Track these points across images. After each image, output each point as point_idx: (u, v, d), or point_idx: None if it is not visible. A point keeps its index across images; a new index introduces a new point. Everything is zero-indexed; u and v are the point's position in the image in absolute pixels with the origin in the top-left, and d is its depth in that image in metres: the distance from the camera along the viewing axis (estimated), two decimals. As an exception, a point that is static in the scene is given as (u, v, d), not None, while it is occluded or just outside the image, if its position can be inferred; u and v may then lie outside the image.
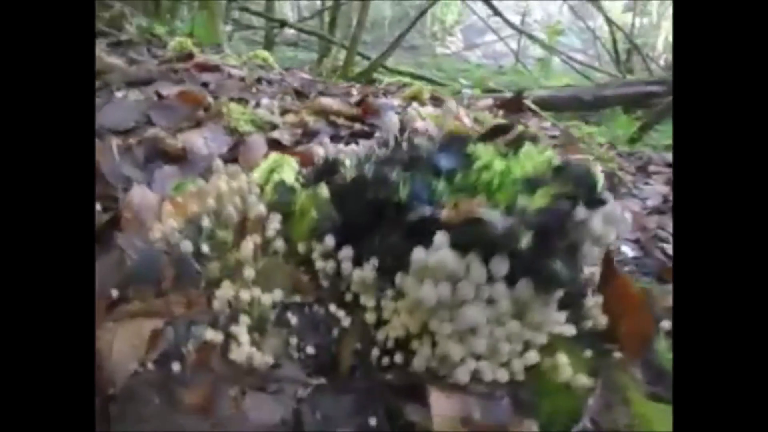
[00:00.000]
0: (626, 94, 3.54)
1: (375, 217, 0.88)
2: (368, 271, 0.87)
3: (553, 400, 0.78)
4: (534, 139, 0.80)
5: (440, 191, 0.81)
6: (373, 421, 0.82)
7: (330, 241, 0.93)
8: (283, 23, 8.85)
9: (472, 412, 0.75)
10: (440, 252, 0.70)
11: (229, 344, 0.90)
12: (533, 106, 2.41)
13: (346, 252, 0.91)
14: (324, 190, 0.96)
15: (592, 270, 0.82)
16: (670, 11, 10.30)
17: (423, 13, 7.50)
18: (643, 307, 0.77)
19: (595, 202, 0.70)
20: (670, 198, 1.81)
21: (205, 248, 1.06)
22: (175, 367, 0.88)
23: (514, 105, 2.41)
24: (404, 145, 0.90)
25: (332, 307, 0.93)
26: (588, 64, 8.83)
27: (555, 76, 7.79)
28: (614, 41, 8.88)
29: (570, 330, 0.78)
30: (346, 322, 0.92)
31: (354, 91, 2.39)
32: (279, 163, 1.16)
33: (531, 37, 8.98)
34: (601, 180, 0.71)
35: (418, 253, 0.74)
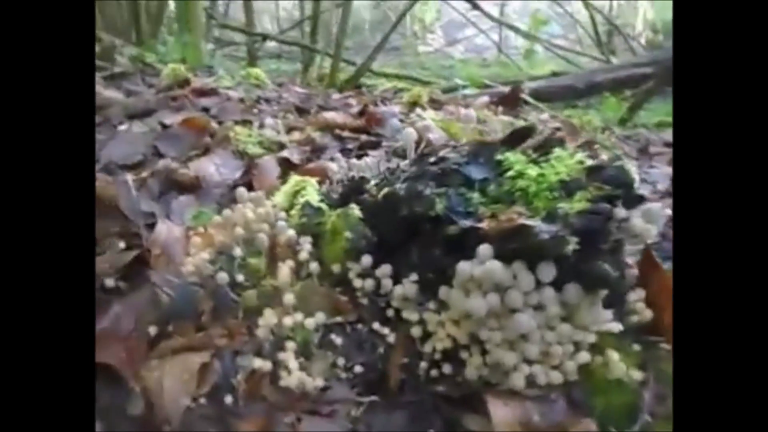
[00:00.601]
0: (618, 78, 3.58)
1: (410, 233, 0.89)
2: (409, 286, 0.89)
3: (607, 396, 0.80)
4: (562, 142, 0.81)
5: (475, 202, 0.82)
6: (431, 434, 0.83)
7: (367, 260, 0.94)
8: (265, 36, 8.85)
9: (531, 416, 0.76)
10: (488, 263, 0.72)
11: (278, 371, 0.91)
12: (530, 99, 2.43)
13: (385, 269, 0.92)
14: (355, 210, 0.97)
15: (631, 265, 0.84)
16: (645, -10, 10.37)
17: (404, 14, 7.50)
18: (686, 297, 0.78)
19: (633, 200, 0.71)
20: (679, 179, 1.84)
21: (240, 277, 1.07)
22: (228, 399, 0.89)
23: (511, 100, 2.43)
24: (430, 158, 0.91)
25: (375, 325, 0.94)
26: (570, 48, 8.89)
27: (539, 63, 7.84)
28: (594, 23, 8.93)
29: (617, 326, 0.79)
30: (391, 338, 0.93)
31: (353, 101, 2.40)
32: (302, 185, 1.17)
33: (512, 27, 9.02)
34: (636, 177, 0.72)
35: (463, 266, 0.75)
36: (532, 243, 0.69)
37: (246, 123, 1.97)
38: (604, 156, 1.97)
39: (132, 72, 2.57)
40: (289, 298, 0.96)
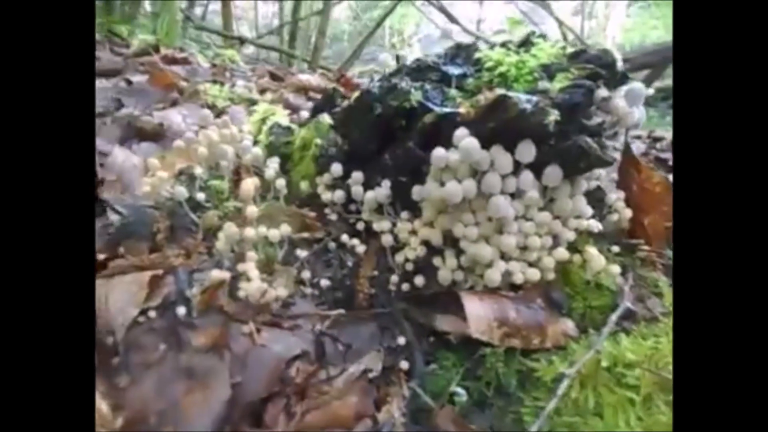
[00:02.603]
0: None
1: (384, 137, 0.84)
2: (383, 190, 0.84)
3: (585, 300, 0.76)
4: (544, 37, 0.79)
5: (453, 96, 0.78)
6: (401, 340, 0.77)
7: (337, 168, 0.88)
8: (243, 40, 8.79)
9: (508, 313, 0.72)
10: (465, 141, 0.67)
11: (237, 284, 0.84)
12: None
13: (356, 176, 0.87)
14: (326, 118, 0.92)
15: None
16: (614, 13, 10.84)
17: (380, 22, 7.60)
18: (669, 193, 0.76)
19: (616, 80, 0.69)
20: (650, 152, 1.86)
21: (200, 196, 1.00)
22: (181, 310, 0.82)
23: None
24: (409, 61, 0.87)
25: (344, 237, 0.88)
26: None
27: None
28: (566, 42, 9.27)
29: (597, 225, 0.76)
30: (360, 249, 0.87)
31: (329, 75, 2.36)
32: (270, 111, 1.11)
33: (488, 42, 9.25)
34: (619, 59, 0.70)
35: (438, 152, 0.71)
36: (512, 116, 0.66)
37: (216, 83, 1.91)
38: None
39: (98, 40, 2.47)
40: (251, 210, 0.89)
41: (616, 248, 0.78)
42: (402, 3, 7.47)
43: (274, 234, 0.87)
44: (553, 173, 0.69)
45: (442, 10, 8.61)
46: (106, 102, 1.76)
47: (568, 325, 0.72)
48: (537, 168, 0.70)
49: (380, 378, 0.75)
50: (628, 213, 0.79)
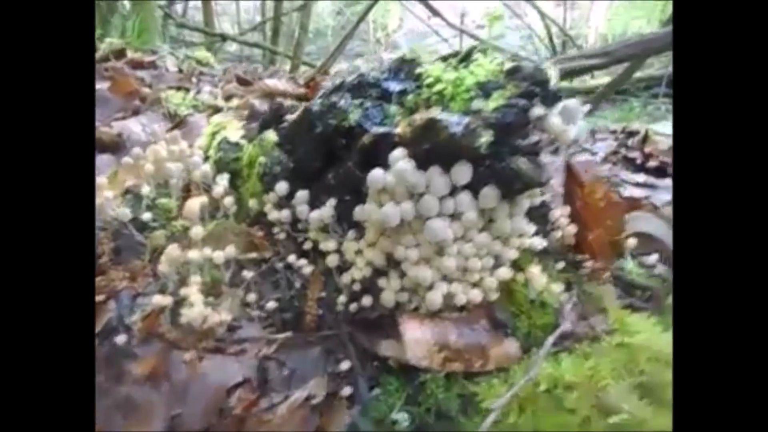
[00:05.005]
0: (569, 68, 3.64)
1: (326, 154, 0.82)
2: (326, 210, 0.82)
3: (530, 318, 0.75)
4: (485, 52, 0.77)
5: (393, 113, 0.76)
6: (345, 365, 0.76)
7: (282, 187, 0.86)
8: (225, 37, 8.67)
9: (448, 337, 0.70)
10: (399, 164, 0.66)
11: (180, 309, 0.82)
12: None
13: (301, 196, 0.85)
14: (271, 135, 0.90)
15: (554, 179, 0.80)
16: (597, 4, 10.83)
17: (363, 17, 7.52)
18: (612, 207, 0.75)
19: (550, 97, 0.67)
20: (620, 151, 1.85)
21: (146, 216, 0.97)
22: (121, 339, 0.80)
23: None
24: (351, 77, 0.85)
25: (291, 258, 0.87)
26: (527, 58, 9.12)
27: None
28: (549, 34, 9.24)
29: (540, 242, 0.75)
30: (307, 269, 0.85)
31: (299, 79, 2.33)
32: (222, 125, 1.08)
33: (472, 36, 9.21)
34: (554, 76, 0.69)
35: (374, 174, 0.69)
36: (443, 138, 0.64)
37: (181, 89, 1.87)
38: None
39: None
40: (197, 231, 0.87)
41: (560, 265, 0.78)
42: (384, -3, 7.39)
43: (219, 256, 0.85)
44: (489, 194, 0.68)
45: (425, 3, 8.54)
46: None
47: (512, 345, 0.71)
48: (475, 188, 0.69)
49: (323, 404, 0.74)
50: (571, 229, 0.78)
